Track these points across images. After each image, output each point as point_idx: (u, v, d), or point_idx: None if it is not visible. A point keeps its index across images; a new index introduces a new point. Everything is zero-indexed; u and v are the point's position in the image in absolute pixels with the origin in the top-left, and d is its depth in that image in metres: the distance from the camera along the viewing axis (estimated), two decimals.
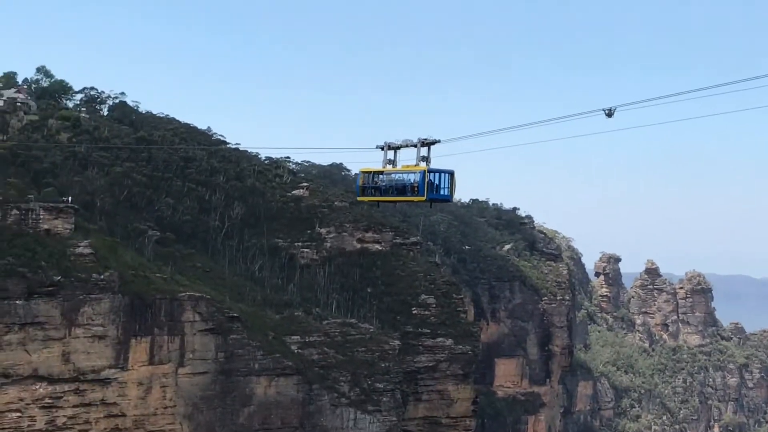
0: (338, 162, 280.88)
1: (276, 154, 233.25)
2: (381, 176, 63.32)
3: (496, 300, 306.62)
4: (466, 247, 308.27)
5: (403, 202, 64.26)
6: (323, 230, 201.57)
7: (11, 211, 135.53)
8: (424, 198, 60.13)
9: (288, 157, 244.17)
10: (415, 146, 59.20)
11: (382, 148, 62.26)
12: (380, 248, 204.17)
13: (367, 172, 65.33)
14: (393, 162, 62.22)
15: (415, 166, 59.95)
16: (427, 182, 59.37)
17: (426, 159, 59.62)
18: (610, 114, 47.16)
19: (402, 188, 61.39)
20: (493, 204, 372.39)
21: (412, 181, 60.29)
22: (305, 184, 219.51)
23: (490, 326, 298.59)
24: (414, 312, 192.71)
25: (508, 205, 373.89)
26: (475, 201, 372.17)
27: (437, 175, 60.28)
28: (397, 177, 61.76)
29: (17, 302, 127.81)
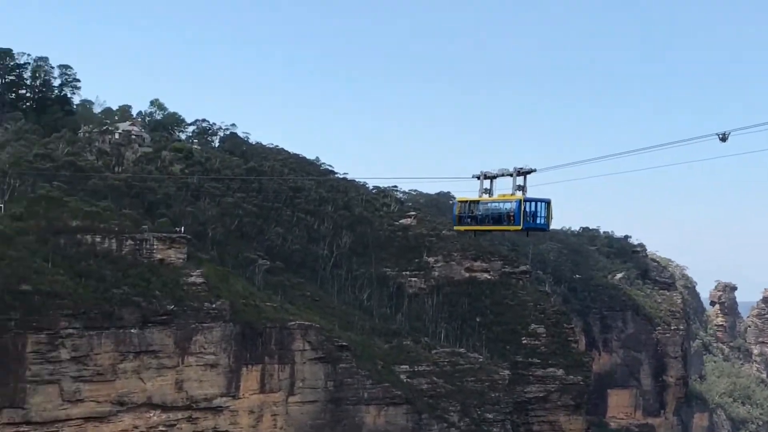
0: (446, 191, 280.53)
1: (383, 183, 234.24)
2: (477, 205, 63.20)
3: (608, 330, 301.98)
4: (577, 275, 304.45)
5: (499, 231, 64.45)
6: (431, 259, 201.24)
7: (126, 242, 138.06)
8: (520, 227, 60.15)
9: (395, 186, 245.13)
10: (511, 175, 59.04)
11: (479, 178, 62.18)
12: (489, 277, 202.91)
13: (463, 202, 65.27)
14: (489, 191, 62.01)
15: (511, 195, 59.79)
16: (523, 211, 59.33)
17: (522, 188, 59.44)
18: (724, 138, 45.64)
19: (498, 217, 61.37)
20: (604, 232, 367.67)
21: (508, 210, 60.22)
22: (413, 212, 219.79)
23: (602, 356, 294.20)
24: (524, 342, 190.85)
25: (619, 233, 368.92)
26: (585, 229, 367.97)
27: (533, 204, 60.17)
28: (493, 206, 61.72)
29: (132, 331, 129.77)
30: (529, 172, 58.35)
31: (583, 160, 58.41)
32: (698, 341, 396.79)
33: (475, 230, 66.25)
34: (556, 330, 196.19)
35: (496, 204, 61.38)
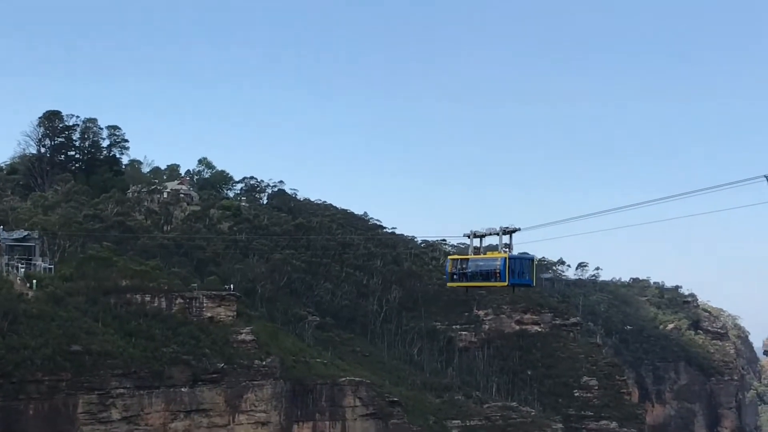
0: (494, 243, 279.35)
1: (432, 238, 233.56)
2: (467, 263, 66.93)
3: (660, 381, 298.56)
4: (628, 327, 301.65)
5: (488, 287, 68.40)
6: (481, 312, 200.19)
7: (176, 300, 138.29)
8: (506, 283, 63.52)
9: (444, 240, 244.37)
10: (498, 234, 62.63)
11: (469, 236, 66.13)
12: (539, 329, 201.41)
13: (455, 259, 69.60)
14: (479, 249, 66.19)
15: (498, 252, 63.40)
16: (509, 268, 62.56)
17: (508, 246, 63.00)
18: None
19: (486, 274, 64.68)
20: (654, 282, 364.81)
21: (494, 267, 63.62)
22: None
23: (656, 408, 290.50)
24: (576, 394, 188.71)
25: (670, 283, 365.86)
26: (635, 280, 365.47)
27: (518, 261, 63.54)
28: (481, 264, 65.37)
29: (182, 390, 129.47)
30: (514, 231, 62.07)
31: (616, 208, 59.16)
32: (752, 391, 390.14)
33: (466, 286, 69.97)
34: (608, 382, 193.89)
35: (484, 261, 65.07)
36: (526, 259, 64.57)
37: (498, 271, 63.21)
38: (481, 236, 65.00)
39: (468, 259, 66.85)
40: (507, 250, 63.25)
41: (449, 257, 71.10)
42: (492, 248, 65.59)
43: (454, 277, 69.06)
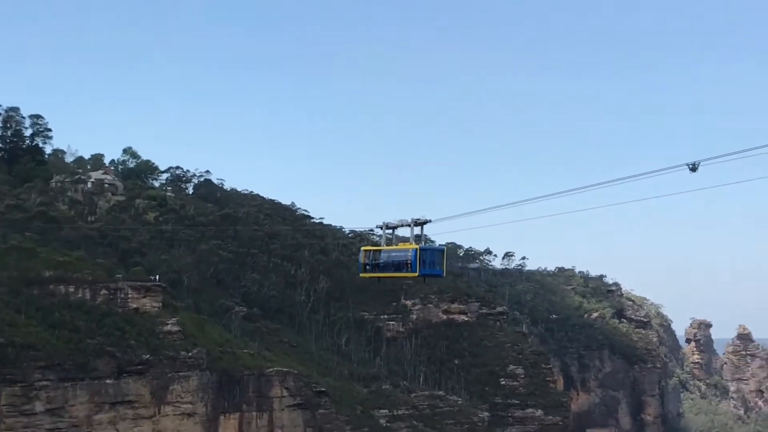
0: (424, 234, 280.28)
1: (360, 228, 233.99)
2: (380, 254, 67.57)
3: (585, 369, 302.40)
4: (554, 315, 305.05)
5: (400, 277, 68.26)
6: (409, 302, 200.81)
7: (100, 291, 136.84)
8: (417, 274, 64.05)
9: (372, 230, 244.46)
10: (410, 225, 62.96)
11: (381, 228, 66.79)
12: (466, 319, 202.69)
13: (367, 250, 70.00)
14: (391, 240, 66.79)
15: (410, 244, 63.96)
16: (420, 259, 63.22)
17: (419, 237, 63.64)
18: (694, 168, 44.91)
19: (398, 265, 65.21)
20: (579, 272, 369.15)
21: (406, 258, 64.20)
22: None
23: (581, 396, 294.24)
24: (502, 383, 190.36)
25: (594, 273, 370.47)
26: (560, 269, 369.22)
27: (429, 252, 64.43)
28: (393, 255, 65.95)
29: (107, 381, 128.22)
30: (425, 222, 62.36)
31: (539, 197, 59.47)
32: (675, 379, 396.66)
33: (379, 277, 69.86)
34: (534, 370, 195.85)
35: (396, 252, 65.59)
36: (437, 251, 65.88)
37: (409, 261, 63.76)
38: (393, 227, 65.24)
39: (380, 250, 67.40)
40: (419, 241, 63.77)
41: (362, 248, 71.20)
42: (423, 238, 66.07)
43: (367, 267, 69.37)
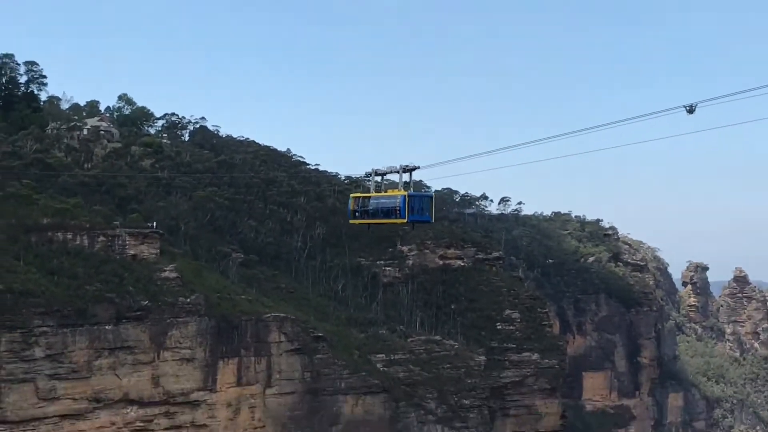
0: (417, 179, 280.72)
1: (355, 174, 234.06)
2: (369, 201, 68.09)
3: (581, 313, 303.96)
4: (550, 260, 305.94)
5: (389, 224, 68.56)
6: (405, 248, 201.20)
7: (98, 238, 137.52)
8: (405, 220, 64.29)
9: (368, 176, 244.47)
10: (398, 172, 63.66)
11: (370, 175, 68.56)
12: (462, 264, 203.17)
13: (357, 197, 70.77)
14: (380, 186, 68.18)
15: (398, 191, 64.69)
16: (408, 206, 63.58)
17: (408, 184, 64.48)
18: (691, 110, 44.93)
19: (387, 211, 65.67)
20: (576, 216, 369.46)
21: (395, 204, 64.66)
22: None
23: (577, 339, 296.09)
24: (498, 327, 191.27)
25: (591, 217, 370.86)
26: (557, 214, 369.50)
27: (417, 198, 64.74)
28: (382, 201, 66.48)
29: (107, 327, 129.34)
30: (414, 169, 63.00)
31: (538, 140, 59.58)
32: (671, 322, 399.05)
33: (368, 223, 70.41)
34: (530, 315, 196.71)
35: (385, 199, 66.12)
36: (425, 197, 66.00)
37: (398, 208, 64.20)
38: (383, 174, 66.33)
39: (370, 197, 67.86)
40: (407, 188, 64.29)
41: (351, 195, 72.06)
42: (417, 184, 66.51)
43: (356, 214, 70.22)
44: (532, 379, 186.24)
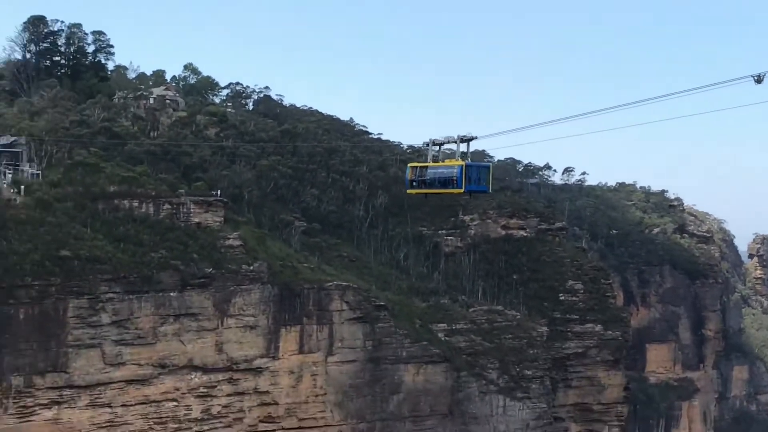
0: (480, 149, 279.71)
1: (417, 143, 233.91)
2: (426, 171, 69.02)
3: (645, 284, 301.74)
4: (614, 231, 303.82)
5: (445, 194, 69.89)
6: (467, 218, 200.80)
7: (163, 206, 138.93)
8: (462, 190, 65.47)
9: (427, 146, 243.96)
10: (455, 142, 64.54)
11: (428, 145, 69.61)
12: (525, 234, 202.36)
13: (414, 167, 71.97)
14: (437, 157, 69.15)
15: (456, 161, 65.48)
16: (465, 176, 64.44)
17: (465, 154, 65.33)
18: (759, 80, 44.23)
19: (444, 181, 66.52)
20: (641, 187, 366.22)
21: (452, 174, 65.44)
22: None
23: (641, 311, 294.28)
24: (561, 298, 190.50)
25: (656, 188, 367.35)
26: (621, 184, 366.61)
27: (474, 168, 65.67)
28: (439, 171, 67.34)
29: (171, 294, 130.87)
30: (471, 139, 63.76)
31: (601, 109, 59.10)
32: (737, 294, 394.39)
33: (425, 193, 71.87)
34: (593, 286, 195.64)
35: (442, 169, 67.02)
36: (482, 167, 66.81)
37: (455, 178, 64.85)
38: (440, 144, 67.75)
39: (427, 167, 68.63)
40: (465, 158, 65.19)
41: (409, 165, 73.56)
42: (479, 153, 66.37)
43: (413, 184, 71.11)
44: (595, 351, 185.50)
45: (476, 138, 63.02)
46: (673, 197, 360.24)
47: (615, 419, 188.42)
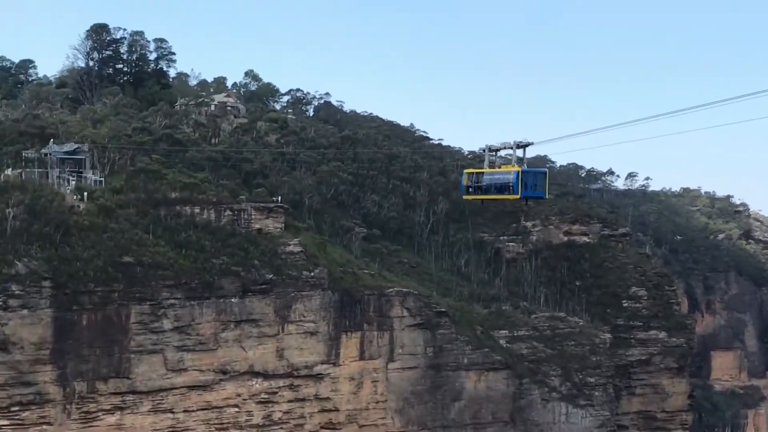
0: (542, 154, 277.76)
1: (477, 148, 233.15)
2: (482, 177, 69.17)
3: (710, 291, 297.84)
4: (678, 237, 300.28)
5: (502, 200, 70.85)
6: (529, 224, 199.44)
7: (225, 212, 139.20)
8: (518, 196, 65.66)
9: (484, 152, 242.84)
10: (512, 148, 64.73)
11: (484, 151, 69.49)
12: (588, 240, 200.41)
13: (470, 173, 72.28)
14: (494, 163, 68.67)
15: (512, 166, 65.40)
16: (522, 182, 64.46)
17: (521, 160, 64.99)
18: None
19: (501, 187, 66.63)
20: (705, 192, 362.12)
21: (508, 180, 65.41)
22: None
23: (705, 318, 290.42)
24: (624, 305, 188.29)
25: (721, 193, 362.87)
26: (685, 189, 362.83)
27: (531, 174, 65.88)
28: (496, 177, 67.39)
29: (233, 300, 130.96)
30: (527, 145, 63.89)
31: (665, 113, 58.35)
32: None
33: (482, 199, 73.52)
34: (657, 292, 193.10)
35: (499, 175, 67.07)
36: (539, 173, 67.07)
37: (511, 184, 64.75)
38: (496, 150, 67.36)
39: (483, 172, 68.64)
40: (521, 164, 64.85)
41: (465, 171, 73.53)
42: (541, 159, 65.81)
43: (470, 189, 70.95)
44: (659, 358, 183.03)
45: (533, 144, 62.67)
46: (738, 202, 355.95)
47: (679, 427, 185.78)
